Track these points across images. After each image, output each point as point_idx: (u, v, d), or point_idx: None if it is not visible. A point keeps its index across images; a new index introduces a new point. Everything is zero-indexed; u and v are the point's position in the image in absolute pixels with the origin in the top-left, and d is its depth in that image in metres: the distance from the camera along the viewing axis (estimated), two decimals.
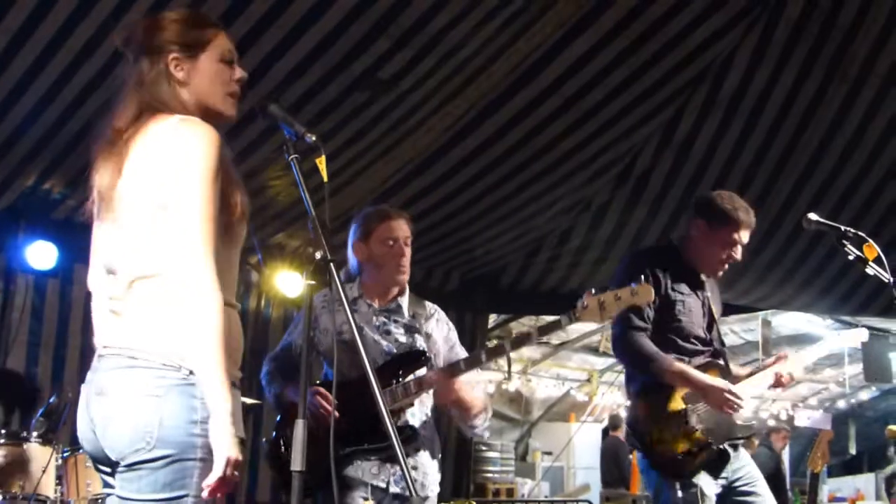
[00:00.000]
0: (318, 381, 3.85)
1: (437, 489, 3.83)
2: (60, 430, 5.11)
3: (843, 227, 3.79)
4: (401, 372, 3.71)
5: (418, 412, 3.79)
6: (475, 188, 7.02)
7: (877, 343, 12.44)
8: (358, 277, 3.91)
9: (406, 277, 3.87)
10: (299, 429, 2.40)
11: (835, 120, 6.59)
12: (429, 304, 4.00)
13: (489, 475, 11.66)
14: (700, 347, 4.19)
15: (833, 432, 5.47)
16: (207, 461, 2.22)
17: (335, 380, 2.77)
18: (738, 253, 4.19)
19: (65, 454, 5.02)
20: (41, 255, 6.19)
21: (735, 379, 4.20)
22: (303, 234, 6.99)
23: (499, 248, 8.04)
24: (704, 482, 3.98)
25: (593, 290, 3.69)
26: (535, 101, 6.26)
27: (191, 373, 2.25)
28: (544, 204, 7.45)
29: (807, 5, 6.03)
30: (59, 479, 4.99)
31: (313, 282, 2.53)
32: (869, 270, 3.72)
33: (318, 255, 2.45)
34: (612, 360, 13.67)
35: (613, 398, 14.30)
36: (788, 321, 12.23)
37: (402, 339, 3.83)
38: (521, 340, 3.84)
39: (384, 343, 3.79)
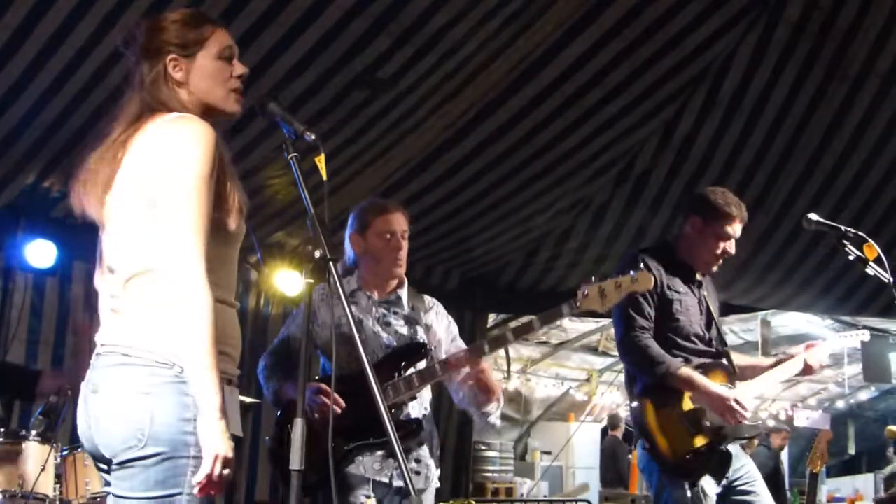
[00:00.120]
0: (316, 377, 3.84)
1: (437, 483, 3.83)
2: (59, 428, 5.10)
3: (843, 227, 3.81)
4: (402, 364, 3.72)
5: (418, 406, 3.79)
6: (475, 187, 7.02)
7: (876, 343, 12.43)
8: (356, 270, 3.91)
9: (403, 271, 3.87)
10: (298, 428, 2.40)
11: (835, 120, 6.59)
12: (427, 298, 4.02)
13: (488, 474, 11.66)
14: (701, 347, 4.20)
15: (832, 432, 5.48)
16: (200, 459, 2.22)
17: (334, 374, 2.75)
18: (731, 247, 4.23)
19: (64, 453, 5.01)
20: (40, 253, 6.18)
21: (753, 370, 4.21)
22: (302, 233, 6.98)
23: (498, 248, 8.04)
24: (706, 482, 3.99)
25: (593, 279, 3.71)
26: (535, 100, 6.26)
27: (183, 370, 2.25)
28: (544, 203, 7.44)
29: (807, 5, 6.04)
30: (58, 477, 4.98)
31: (312, 280, 2.53)
32: (869, 270, 3.73)
33: (317, 253, 2.45)
34: (611, 360, 13.68)
35: (613, 398, 14.30)
36: (788, 321, 12.23)
37: (403, 330, 3.83)
38: (523, 330, 3.84)
39: (384, 335, 3.79)
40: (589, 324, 12.03)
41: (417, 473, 3.72)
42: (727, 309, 8.09)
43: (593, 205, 7.61)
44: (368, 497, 3.61)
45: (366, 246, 3.84)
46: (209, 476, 2.17)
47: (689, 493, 3.96)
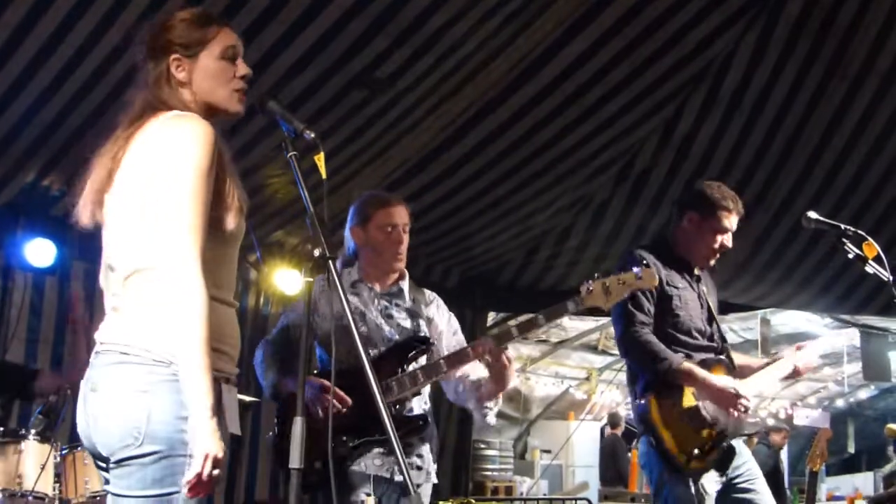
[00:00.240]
0: (315, 371, 3.81)
1: (435, 479, 3.83)
2: (59, 427, 5.10)
3: (842, 226, 3.81)
4: (406, 358, 3.70)
5: (419, 401, 3.77)
6: (475, 186, 7.02)
7: (875, 342, 12.45)
8: (356, 261, 3.88)
9: (403, 264, 3.85)
10: (298, 426, 2.39)
11: (835, 118, 6.59)
12: (428, 291, 4.01)
13: (488, 473, 11.67)
14: (702, 342, 4.21)
15: (832, 431, 5.48)
16: None
17: (333, 369, 2.72)
18: (729, 240, 4.24)
19: (63, 452, 5.01)
20: (40, 252, 6.17)
21: (746, 370, 4.22)
22: (302, 232, 6.98)
23: (498, 246, 8.04)
24: (707, 479, 3.99)
25: (596, 275, 3.71)
26: (536, 99, 6.26)
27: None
28: (544, 202, 7.44)
29: (807, 3, 6.04)
30: (58, 476, 4.98)
31: (312, 279, 2.52)
32: (868, 269, 3.73)
33: (316, 252, 2.44)
34: (611, 359, 13.68)
35: (612, 396, 14.31)
36: (787, 320, 12.23)
37: (405, 323, 3.81)
38: (528, 326, 3.83)
39: (386, 328, 3.77)
40: (588, 322, 12.04)
41: (419, 469, 3.71)
42: (727, 307, 8.09)
43: (593, 203, 7.61)
44: (369, 495, 3.59)
45: (366, 238, 3.82)
46: (199, 476, 2.16)
47: (684, 490, 3.96)
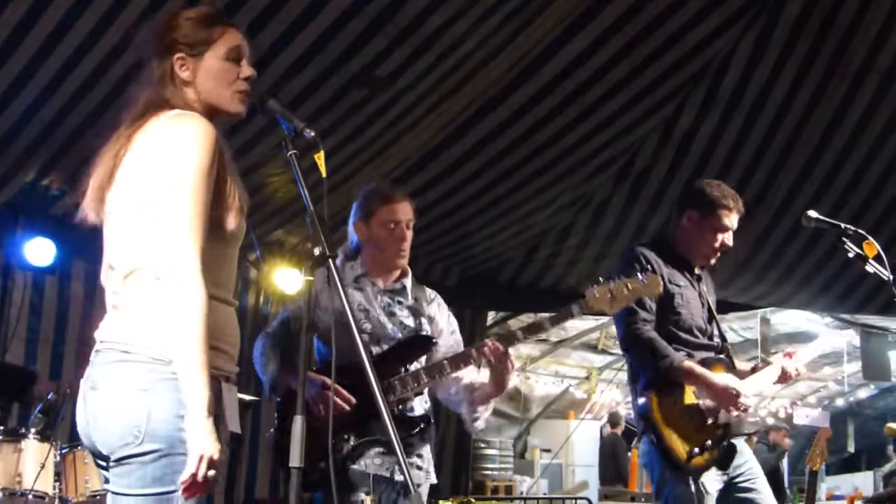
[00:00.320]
0: (313, 367, 3.75)
1: (433, 478, 3.81)
2: (58, 426, 5.10)
3: (842, 225, 3.81)
4: (409, 357, 3.67)
5: (421, 401, 3.74)
6: (475, 185, 7.02)
7: (875, 341, 12.44)
8: (359, 256, 3.82)
9: (406, 262, 3.80)
10: (298, 425, 2.38)
11: (835, 117, 6.59)
12: (428, 290, 3.96)
13: (488, 472, 11.66)
14: (703, 340, 4.21)
15: (831, 430, 5.47)
16: None
17: (334, 365, 2.70)
18: (729, 239, 4.24)
19: (63, 451, 5.01)
20: (40, 251, 6.17)
21: (740, 374, 4.22)
22: (302, 231, 6.98)
23: (498, 245, 8.03)
24: (708, 478, 3.99)
25: (601, 280, 3.70)
26: (536, 97, 6.25)
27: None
28: (544, 200, 7.44)
29: (807, 2, 6.04)
30: (58, 475, 4.98)
31: (312, 277, 2.52)
32: (868, 268, 3.73)
33: (316, 250, 2.44)
34: (611, 358, 13.68)
35: (612, 395, 14.31)
36: (787, 319, 12.23)
37: (408, 321, 3.77)
38: (534, 329, 3.81)
39: (389, 325, 3.72)
40: (588, 322, 12.03)
41: (419, 468, 3.69)
42: (727, 306, 8.10)
43: (593, 202, 7.61)
44: (368, 493, 3.57)
45: (369, 234, 3.76)
46: (194, 476, 2.15)
47: (685, 489, 3.96)
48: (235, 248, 2.46)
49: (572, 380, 14.32)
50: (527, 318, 11.68)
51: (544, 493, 12.08)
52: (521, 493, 11.68)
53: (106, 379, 2.29)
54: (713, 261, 4.32)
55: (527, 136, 6.59)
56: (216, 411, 2.22)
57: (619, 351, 13.15)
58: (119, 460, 2.26)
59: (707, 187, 4.25)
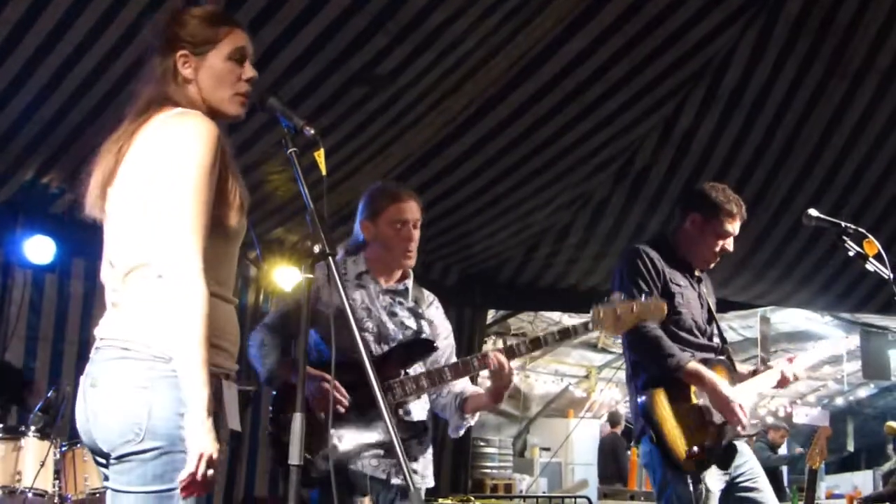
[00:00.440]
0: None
1: (431, 482, 3.79)
2: (58, 424, 5.10)
3: (842, 223, 3.80)
4: (409, 359, 3.64)
5: (421, 404, 3.72)
6: (474, 183, 7.02)
7: (875, 340, 12.45)
8: (362, 252, 3.78)
9: (413, 262, 3.75)
10: (297, 423, 2.38)
11: (835, 116, 6.59)
12: (426, 292, 3.93)
13: (487, 471, 11.66)
14: (703, 340, 4.21)
15: (831, 429, 5.47)
16: None
17: (333, 363, 2.68)
18: (730, 244, 4.23)
19: (63, 448, 5.01)
20: (39, 249, 6.18)
21: (740, 376, 4.21)
22: (302, 229, 6.97)
23: (498, 244, 8.04)
24: (710, 478, 3.98)
25: (607, 299, 3.69)
26: (535, 96, 6.25)
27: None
28: (543, 199, 7.44)
29: (807, 1, 6.03)
30: (57, 473, 4.99)
31: (312, 275, 2.52)
32: (869, 267, 3.72)
33: (316, 248, 2.44)
34: (610, 357, 13.70)
35: (612, 394, 14.33)
36: (787, 318, 12.24)
37: (409, 322, 3.74)
38: (536, 343, 3.78)
39: (391, 326, 3.70)
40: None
41: (415, 473, 3.66)
42: (726, 305, 8.10)
43: (593, 201, 7.61)
44: (365, 494, 3.56)
45: (376, 233, 3.71)
46: (193, 475, 2.15)
47: (687, 488, 3.96)
48: (236, 246, 2.46)
49: (572, 378, 14.33)
50: (526, 317, 11.76)
51: (543, 492, 12.09)
52: (521, 491, 11.69)
53: (106, 376, 2.29)
54: (712, 265, 4.32)
55: (526, 135, 6.59)
56: (216, 409, 2.22)
57: (618, 350, 13.18)
58: (119, 458, 2.26)
59: (712, 191, 4.22)
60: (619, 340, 4.47)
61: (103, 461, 2.36)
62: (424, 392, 3.64)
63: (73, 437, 5.01)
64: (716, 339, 4.29)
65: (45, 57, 4.97)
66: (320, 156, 2.51)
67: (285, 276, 7.10)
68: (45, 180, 5.98)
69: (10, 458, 4.82)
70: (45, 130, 5.50)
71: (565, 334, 3.79)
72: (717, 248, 4.22)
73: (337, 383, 3.35)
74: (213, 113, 2.43)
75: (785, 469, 12.51)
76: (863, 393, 16.98)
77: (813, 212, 3.86)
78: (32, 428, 4.91)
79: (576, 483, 12.55)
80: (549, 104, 6.34)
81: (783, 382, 4.30)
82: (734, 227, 4.20)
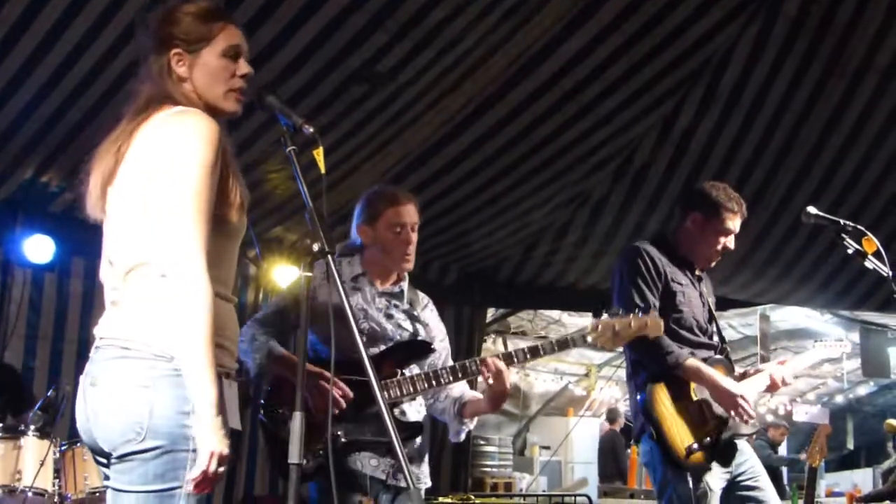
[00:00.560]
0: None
1: (427, 482, 3.79)
2: (58, 423, 5.10)
3: (842, 221, 3.80)
4: (405, 361, 3.64)
5: (416, 406, 3.73)
6: (473, 182, 7.02)
7: (875, 338, 12.46)
8: (359, 254, 3.76)
9: (411, 266, 3.73)
10: (297, 421, 2.38)
11: (834, 115, 6.59)
12: (421, 294, 3.92)
13: (487, 469, 11.67)
14: (703, 339, 4.21)
15: (831, 427, 5.47)
16: None
17: (333, 360, 2.67)
18: (731, 242, 4.24)
19: (62, 448, 5.01)
20: (39, 248, 6.17)
21: (736, 378, 4.22)
22: (301, 228, 6.98)
23: (497, 242, 8.04)
24: (711, 476, 3.99)
25: (606, 314, 3.71)
26: (534, 95, 6.25)
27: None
28: (543, 198, 7.44)
29: (806, 0, 6.03)
30: (57, 472, 4.98)
31: (311, 273, 2.52)
32: (868, 264, 3.73)
33: (315, 247, 2.44)
34: (610, 355, 13.69)
35: (611, 392, 14.32)
36: (787, 316, 12.24)
37: (405, 324, 3.74)
38: (535, 352, 3.76)
39: (388, 327, 3.69)
40: (588, 319, 12.00)
41: (411, 472, 3.65)
42: (726, 303, 8.10)
43: (592, 199, 7.61)
44: (365, 494, 3.55)
45: (374, 237, 3.69)
46: (205, 472, 2.17)
47: (688, 487, 3.96)
48: (236, 245, 2.46)
49: (572, 377, 14.33)
50: (526, 315, 11.76)
51: (543, 491, 12.09)
52: (521, 490, 11.69)
53: (106, 375, 2.29)
54: (713, 264, 4.33)
55: (525, 134, 6.59)
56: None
57: (618, 348, 13.12)
58: (121, 457, 2.26)
59: (712, 190, 4.23)
60: None
61: (104, 461, 2.36)
62: (420, 394, 3.63)
63: (72, 436, 5.01)
64: (715, 338, 4.30)
65: (44, 56, 4.97)
66: (319, 154, 2.51)
67: (285, 275, 7.10)
68: (44, 179, 5.98)
69: (10, 456, 4.82)
70: (44, 129, 5.50)
71: (564, 345, 3.79)
72: (719, 247, 4.22)
73: (337, 380, 3.35)
74: (210, 110, 2.43)
75: (785, 467, 12.52)
76: (862, 391, 16.98)
77: (812, 210, 3.86)
78: (32, 427, 4.91)
79: (576, 481, 12.56)
80: (547, 103, 6.34)
81: (773, 387, 4.30)
82: (735, 224, 4.21)
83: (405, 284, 3.81)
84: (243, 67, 2.49)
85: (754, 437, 10.50)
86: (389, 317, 3.73)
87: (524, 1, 5.46)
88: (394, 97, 5.90)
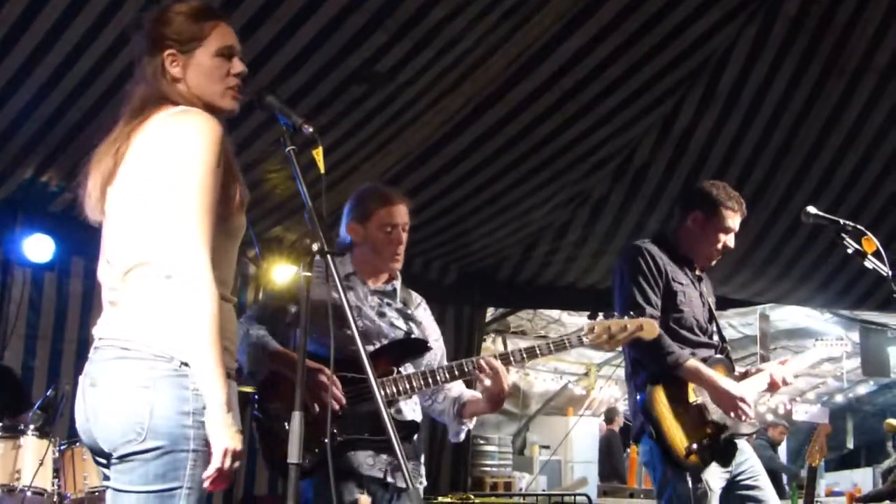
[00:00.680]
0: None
1: (424, 481, 3.79)
2: (57, 423, 5.10)
3: (841, 221, 3.80)
4: (401, 359, 3.62)
5: (411, 404, 3.71)
6: (473, 181, 7.02)
7: (875, 337, 12.46)
8: (349, 253, 3.74)
9: (400, 265, 3.73)
10: (296, 421, 2.38)
11: (833, 114, 6.59)
12: (415, 294, 3.91)
13: (487, 469, 11.66)
14: (703, 339, 4.21)
15: (831, 426, 5.47)
16: (200, 453, 2.22)
17: (332, 358, 2.67)
18: (731, 241, 4.25)
19: (62, 447, 5.01)
20: (38, 247, 6.17)
21: (735, 377, 4.22)
22: (300, 228, 6.98)
23: (497, 242, 8.04)
24: (711, 476, 3.99)
25: (602, 316, 3.72)
26: (534, 94, 6.25)
27: (183, 364, 2.24)
28: (542, 197, 7.44)
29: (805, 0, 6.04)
30: (56, 472, 4.98)
31: (310, 273, 2.52)
32: (867, 264, 3.73)
33: (315, 246, 2.44)
34: (610, 355, 13.67)
35: (611, 392, 14.32)
36: (787, 315, 12.24)
37: (399, 323, 3.73)
38: (532, 353, 3.76)
39: (383, 326, 3.68)
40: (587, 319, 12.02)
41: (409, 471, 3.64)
42: (726, 303, 8.10)
43: (591, 199, 7.61)
44: (362, 493, 3.54)
45: (365, 236, 3.69)
46: (219, 469, 2.18)
47: (688, 487, 3.96)
48: (236, 244, 2.47)
49: (571, 376, 14.33)
50: (525, 315, 11.76)
51: (543, 490, 12.09)
52: (520, 489, 11.69)
53: (106, 376, 2.29)
54: (714, 262, 4.33)
55: (525, 133, 6.58)
56: None
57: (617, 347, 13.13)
58: (121, 457, 2.26)
59: (712, 189, 4.24)
60: None
61: (103, 461, 2.37)
62: (416, 392, 3.62)
63: (72, 436, 5.01)
64: (716, 338, 4.30)
65: (44, 56, 4.97)
66: (319, 154, 2.51)
67: (284, 275, 7.09)
68: (43, 178, 5.98)
69: (10, 456, 4.82)
70: (44, 129, 5.50)
71: (560, 346, 3.79)
72: (720, 245, 4.23)
73: (336, 380, 3.34)
74: (208, 109, 2.42)
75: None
76: (862, 390, 16.98)
77: (812, 209, 3.86)
78: (31, 427, 4.91)
79: (575, 481, 12.56)
80: (547, 102, 6.34)
81: (773, 387, 4.31)
82: (735, 223, 4.23)
83: (398, 283, 3.81)
84: (237, 66, 2.48)
85: (754, 436, 10.53)
86: (382, 315, 3.72)
87: (524, 0, 5.46)
88: (393, 97, 5.90)
